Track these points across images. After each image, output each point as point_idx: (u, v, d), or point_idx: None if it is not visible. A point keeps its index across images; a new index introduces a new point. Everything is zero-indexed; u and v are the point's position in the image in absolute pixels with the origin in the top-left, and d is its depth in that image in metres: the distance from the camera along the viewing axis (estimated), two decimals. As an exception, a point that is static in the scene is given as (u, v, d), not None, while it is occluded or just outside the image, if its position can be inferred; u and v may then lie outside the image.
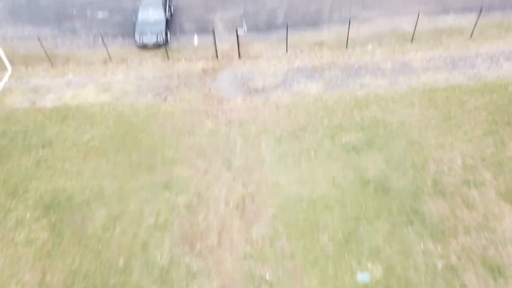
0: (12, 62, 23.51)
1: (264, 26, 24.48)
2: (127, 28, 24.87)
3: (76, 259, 15.11)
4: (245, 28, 22.21)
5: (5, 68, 23.19)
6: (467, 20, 23.11)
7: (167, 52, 23.13)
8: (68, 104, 21.09)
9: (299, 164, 17.40)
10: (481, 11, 21.34)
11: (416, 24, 21.69)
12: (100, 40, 23.24)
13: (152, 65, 22.91)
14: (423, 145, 17.39)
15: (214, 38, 22.31)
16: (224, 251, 15.01)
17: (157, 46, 23.58)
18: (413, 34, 21.97)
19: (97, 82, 22.17)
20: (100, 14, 26.85)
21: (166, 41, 23.62)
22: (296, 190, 16.52)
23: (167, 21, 23.98)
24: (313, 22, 24.39)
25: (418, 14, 21.36)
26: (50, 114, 20.66)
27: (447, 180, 16.09)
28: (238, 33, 21.57)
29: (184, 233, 15.57)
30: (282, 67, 21.83)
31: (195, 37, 24.07)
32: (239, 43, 22.41)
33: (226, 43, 23.62)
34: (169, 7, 25.29)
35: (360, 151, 17.50)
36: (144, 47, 23.71)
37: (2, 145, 19.22)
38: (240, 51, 22.73)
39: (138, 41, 23.49)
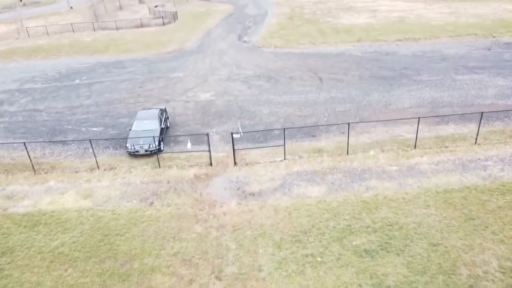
0: (-8, 170, 22.08)
1: (261, 137, 23.94)
2: (120, 141, 24.26)
3: None
4: (241, 132, 21.50)
5: (-17, 176, 21.63)
6: (468, 129, 22.78)
7: (158, 160, 21.98)
8: (42, 210, 18.92)
9: (303, 272, 14.50)
10: (481, 118, 21.04)
11: (417, 130, 21.16)
12: (89, 150, 22.32)
13: (141, 172, 21.47)
14: (448, 247, 14.82)
15: (209, 144, 21.45)
16: None
17: (148, 153, 22.57)
18: (416, 140, 21.25)
19: (79, 188, 20.40)
20: (95, 129, 26.63)
21: (159, 150, 22.70)
22: (302, 301, 13.35)
23: (161, 132, 23.49)
24: (310, 133, 23.97)
25: (419, 120, 20.98)
26: (20, 221, 18.33)
27: (485, 285, 13.11)
28: (234, 136, 20.74)
29: None
30: (280, 172, 20.40)
31: (188, 143, 23.26)
32: (235, 149, 21.45)
33: (221, 153, 22.73)
34: (165, 120, 25.17)
35: (375, 255, 14.81)
36: (135, 154, 22.69)
37: (-46, 253, 16.39)
38: (235, 158, 21.60)
39: (129, 147, 22.58)
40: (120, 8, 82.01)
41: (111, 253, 16.04)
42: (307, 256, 15.17)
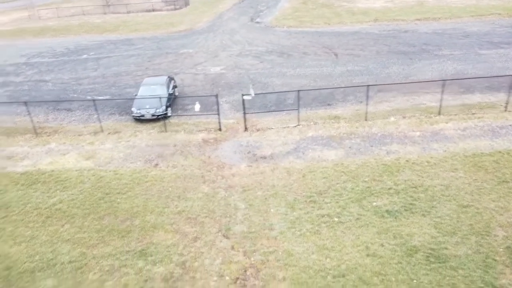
0: (-7, 133, 21.16)
1: (273, 105, 22.67)
2: (126, 107, 23.20)
3: None
4: (252, 93, 20.22)
5: (-17, 137, 20.73)
6: (495, 98, 21.24)
7: (165, 125, 20.85)
8: (42, 170, 17.92)
9: (319, 231, 13.22)
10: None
11: (442, 97, 19.69)
12: (94, 116, 21.29)
13: (146, 135, 20.37)
14: (480, 209, 13.40)
15: (218, 107, 20.24)
16: None
17: (155, 118, 21.45)
18: (440, 106, 19.79)
19: (81, 150, 19.38)
20: (100, 98, 25.59)
21: (165, 116, 21.55)
22: (317, 260, 12.07)
23: (168, 99, 22.25)
24: (326, 102, 22.64)
25: (444, 83, 19.51)
26: (18, 179, 17.35)
27: (525, 246, 11.72)
28: (245, 98, 19.49)
29: (157, 314, 10.71)
30: (294, 137, 19.11)
31: (197, 104, 22.08)
32: (246, 113, 20.20)
33: (231, 119, 21.52)
34: (173, 88, 23.97)
35: (398, 216, 13.46)
36: (141, 119, 21.60)
37: None
38: (246, 124, 20.37)
39: (135, 112, 21.49)
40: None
41: (111, 210, 14.94)
42: (323, 216, 13.88)
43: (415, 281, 11.07)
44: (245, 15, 50.96)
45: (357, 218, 13.58)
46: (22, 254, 13.03)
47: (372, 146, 17.73)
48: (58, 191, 16.29)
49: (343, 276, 11.41)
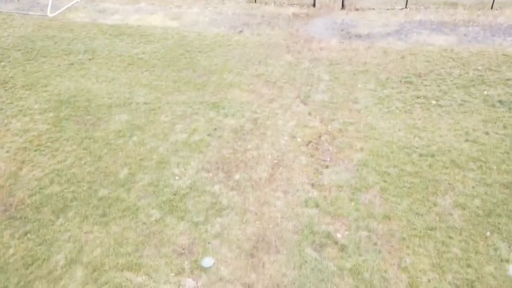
0: (89, -11, 21.28)
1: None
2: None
3: (68, 159, 10.49)
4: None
5: (80, -8, 20.97)
6: None
7: (255, -5, 19.32)
8: (129, 24, 17.80)
9: (411, 110, 11.52)
10: None
11: None
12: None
13: (234, 4, 19.13)
14: None
15: (316, -23, 18.01)
16: (274, 190, 9.37)
17: (246, -11, 19.89)
18: None
19: (168, 11, 18.84)
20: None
21: (257, -13, 19.85)
22: (403, 137, 10.58)
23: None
24: (444, -12, 19.12)
25: None
26: (107, 29, 17.45)
27: None
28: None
29: (222, 158, 10.29)
30: (397, 19, 16.60)
31: None
32: (346, -13, 17.81)
33: (327, -2, 19.23)
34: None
35: (513, 107, 11.19)
36: (231, -13, 20.17)
37: (43, 46, 16.14)
38: (344, 2, 18.06)
39: (225, -21, 20.04)
40: None
41: (190, 65, 14.45)
42: (418, 97, 12.04)
43: (522, 173, 9.23)
44: None
45: (460, 104, 11.55)
46: (102, 90, 13.24)
47: (494, 36, 14.76)
48: (141, 43, 16.13)
49: (432, 156, 9.88)
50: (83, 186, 9.68)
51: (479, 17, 16.06)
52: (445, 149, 10.03)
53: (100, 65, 14.78)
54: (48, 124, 11.80)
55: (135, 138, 11.11)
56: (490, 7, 16.53)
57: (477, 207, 8.49)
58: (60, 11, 19.21)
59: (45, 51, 15.79)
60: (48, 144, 11.04)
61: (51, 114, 12.19)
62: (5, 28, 17.64)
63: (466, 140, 10.25)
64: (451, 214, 8.41)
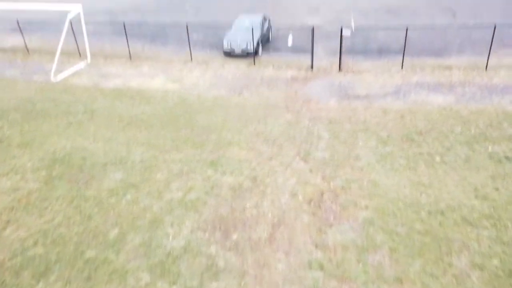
0: (94, 56, 21.98)
1: (374, 52, 20.37)
2: (218, 42, 22.62)
3: (56, 218, 9.93)
4: (353, 26, 18.20)
5: (85, 58, 21.63)
6: None
7: (254, 60, 19.84)
8: (131, 87, 18.07)
9: (415, 167, 11.16)
10: None
11: None
12: (186, 49, 20.97)
13: (234, 68, 19.58)
14: None
15: (312, 41, 18.59)
16: (275, 251, 8.71)
17: (245, 54, 20.51)
18: None
19: (170, 75, 19.25)
20: (195, 36, 25.35)
21: (256, 52, 20.47)
22: (409, 194, 10.12)
23: (261, 36, 21.11)
24: (437, 52, 19.71)
25: None
26: (108, 92, 17.68)
27: None
28: (343, 34, 17.56)
29: (219, 217, 9.74)
30: (394, 81, 16.86)
31: (290, 37, 20.64)
32: (342, 51, 18.30)
33: (325, 61, 19.74)
34: (267, 30, 22.75)
35: (521, 163, 10.84)
36: (231, 53, 20.82)
37: (43, 107, 16.23)
38: (341, 63, 18.51)
39: (225, 46, 20.76)
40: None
41: (189, 125, 14.36)
42: (421, 154, 11.76)
43: (539, 231, 8.64)
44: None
45: (466, 161, 11.23)
46: (98, 149, 12.99)
47: (491, 95, 14.85)
48: (142, 105, 16.20)
49: (442, 213, 9.35)
50: (69, 247, 9.03)
51: (474, 78, 16.31)
52: (455, 206, 9.52)
53: (98, 124, 14.68)
54: (39, 182, 11.38)
55: (128, 197, 10.62)
56: (485, 69, 16.85)
57: (496, 267, 7.81)
58: (63, 75, 19.59)
59: (44, 112, 15.81)
60: (37, 203, 10.54)
61: (44, 173, 11.81)
62: (7, 92, 17.85)
63: (476, 197, 9.77)
64: (469, 276, 7.71)
